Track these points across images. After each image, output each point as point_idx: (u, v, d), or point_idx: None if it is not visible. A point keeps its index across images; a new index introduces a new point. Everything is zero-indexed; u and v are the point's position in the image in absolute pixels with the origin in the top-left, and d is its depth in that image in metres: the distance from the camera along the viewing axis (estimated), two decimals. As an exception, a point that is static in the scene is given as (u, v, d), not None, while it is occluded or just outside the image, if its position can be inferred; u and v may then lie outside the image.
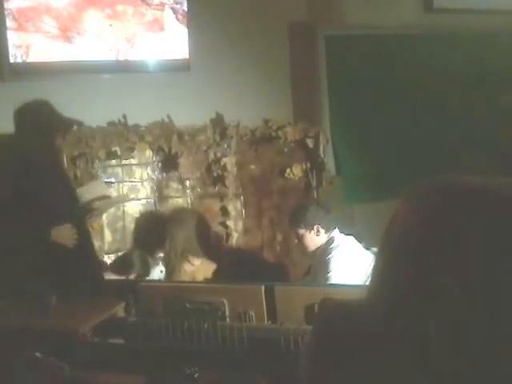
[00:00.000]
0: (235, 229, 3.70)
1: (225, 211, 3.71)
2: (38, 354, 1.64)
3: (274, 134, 3.68)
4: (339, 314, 1.08)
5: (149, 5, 3.74)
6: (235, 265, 3.62)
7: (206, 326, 2.31)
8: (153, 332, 2.33)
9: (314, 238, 3.07)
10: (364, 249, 3.14)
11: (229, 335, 2.29)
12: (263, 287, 2.34)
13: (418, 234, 0.97)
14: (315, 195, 3.64)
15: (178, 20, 3.81)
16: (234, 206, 3.71)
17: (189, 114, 3.77)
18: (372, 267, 1.05)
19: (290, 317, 2.31)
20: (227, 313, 2.35)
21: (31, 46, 3.50)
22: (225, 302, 2.37)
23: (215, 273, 3.49)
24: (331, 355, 1.04)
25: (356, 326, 1.03)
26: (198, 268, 3.48)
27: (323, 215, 3.08)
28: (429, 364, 0.93)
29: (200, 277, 3.52)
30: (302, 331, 2.25)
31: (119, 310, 2.42)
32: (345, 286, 2.57)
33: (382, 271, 1.02)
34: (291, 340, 2.22)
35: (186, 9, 3.80)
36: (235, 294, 2.38)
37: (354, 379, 1.01)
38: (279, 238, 3.73)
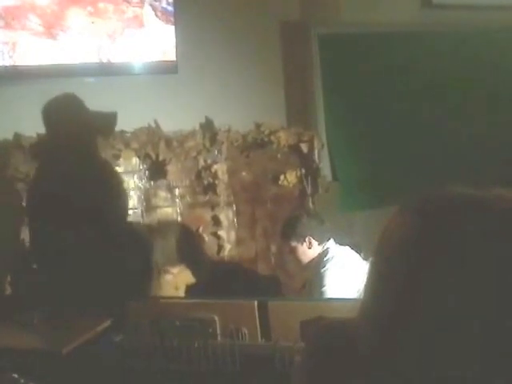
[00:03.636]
0: (228, 239, 3.70)
1: (216, 220, 3.71)
2: (16, 376, 1.64)
3: (266, 139, 3.68)
4: (332, 333, 1.09)
5: (129, 2, 3.80)
6: (228, 278, 3.62)
7: (196, 344, 2.32)
8: (140, 351, 2.34)
9: (307, 251, 3.08)
10: (362, 259, 3.15)
11: (220, 354, 2.30)
12: (256, 302, 2.36)
13: (410, 248, 0.98)
14: (310, 203, 3.64)
15: (157, 17, 3.84)
16: (226, 215, 3.71)
17: (177, 119, 3.77)
18: (364, 282, 1.06)
19: (284, 334, 2.32)
20: (218, 330, 2.37)
21: (17, 44, 3.56)
22: (216, 318, 2.38)
23: (196, 278, 3.54)
24: (324, 374, 1.05)
25: (350, 345, 1.05)
26: (177, 276, 3.53)
27: (315, 226, 3.09)
28: (424, 377, 0.94)
29: (181, 284, 3.55)
30: (298, 349, 2.26)
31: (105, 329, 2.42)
32: (342, 300, 2.58)
33: (373, 286, 1.03)
34: (286, 358, 2.24)
35: (165, 6, 3.83)
36: (227, 309, 2.39)
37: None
38: (273, 249, 3.73)
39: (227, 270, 3.69)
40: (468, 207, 0.96)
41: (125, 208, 2.91)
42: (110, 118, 3.16)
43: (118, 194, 2.93)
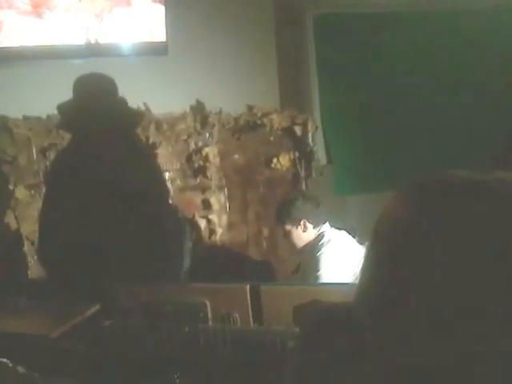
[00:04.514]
0: (219, 224, 3.69)
1: (207, 204, 3.70)
2: (5, 361, 1.62)
3: (258, 122, 3.66)
4: (327, 317, 1.08)
5: (116, -20, 3.76)
6: (219, 262, 3.62)
7: (186, 329, 2.31)
8: (130, 336, 2.32)
9: (301, 235, 3.06)
10: (357, 244, 3.14)
11: (212, 339, 2.28)
12: (248, 287, 2.34)
13: (408, 231, 0.97)
14: (304, 186, 3.63)
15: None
16: (217, 199, 3.70)
17: (167, 101, 3.74)
18: (361, 266, 1.05)
19: (277, 318, 2.31)
20: (209, 315, 2.35)
21: (3, 23, 3.53)
22: (207, 303, 2.36)
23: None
24: (320, 358, 1.05)
25: (345, 329, 1.04)
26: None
27: (311, 209, 3.06)
28: (416, 360, 0.94)
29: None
30: (291, 334, 2.25)
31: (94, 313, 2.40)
32: (336, 284, 2.57)
33: (370, 270, 1.02)
34: (278, 343, 2.23)
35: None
36: (218, 294, 2.37)
37: (340, 380, 1.02)
38: (266, 233, 3.72)
39: (218, 255, 3.68)
40: (467, 190, 0.95)
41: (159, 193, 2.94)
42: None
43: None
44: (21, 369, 1.56)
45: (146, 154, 3.28)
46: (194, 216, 3.67)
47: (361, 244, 3.16)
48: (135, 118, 3.28)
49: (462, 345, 0.89)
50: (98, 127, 2.86)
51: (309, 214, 3.05)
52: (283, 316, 2.31)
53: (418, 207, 0.96)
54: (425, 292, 0.92)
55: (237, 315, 2.35)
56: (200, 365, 2.27)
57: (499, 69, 4.55)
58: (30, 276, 3.21)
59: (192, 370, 2.24)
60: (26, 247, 3.35)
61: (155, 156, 3.47)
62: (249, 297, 2.34)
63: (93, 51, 3.78)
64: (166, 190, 3.34)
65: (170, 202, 3.39)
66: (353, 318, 1.02)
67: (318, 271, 2.95)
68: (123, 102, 3.08)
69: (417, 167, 4.35)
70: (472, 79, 4.51)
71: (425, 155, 4.35)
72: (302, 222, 3.04)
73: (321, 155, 3.98)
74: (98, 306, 2.40)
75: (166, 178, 3.59)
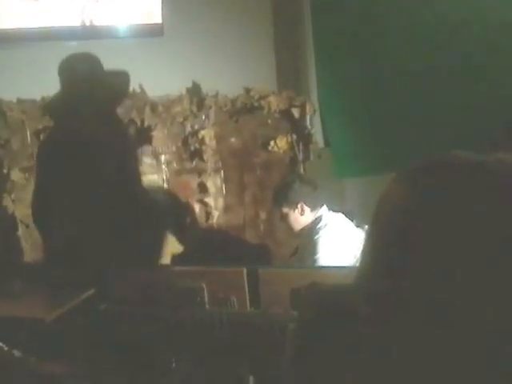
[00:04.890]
0: (215, 207, 3.66)
1: (203, 188, 3.66)
2: (0, 344, 1.60)
3: (256, 104, 3.62)
4: (327, 299, 1.06)
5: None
6: (216, 246, 3.59)
7: (184, 312, 2.29)
8: (126, 320, 2.31)
9: (299, 218, 3.03)
10: (355, 227, 3.11)
11: (209, 322, 2.27)
12: (245, 270, 2.32)
13: (408, 215, 0.95)
14: (302, 170, 3.60)
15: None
16: (214, 182, 3.66)
17: (162, 83, 3.69)
18: (361, 249, 1.03)
19: (274, 302, 2.29)
20: (206, 298, 2.34)
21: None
22: (204, 286, 2.35)
23: (184, 246, 3.52)
24: (318, 341, 1.03)
25: (344, 311, 1.02)
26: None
27: (308, 192, 3.03)
28: (417, 347, 0.92)
29: (167, 252, 3.53)
30: (288, 317, 2.24)
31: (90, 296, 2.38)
32: (333, 267, 2.55)
33: (371, 254, 1.00)
34: (276, 326, 2.21)
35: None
36: (215, 278, 2.36)
37: (340, 364, 1.00)
38: (263, 216, 3.69)
39: (215, 238, 3.66)
40: (467, 171, 0.94)
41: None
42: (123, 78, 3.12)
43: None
44: (17, 353, 1.54)
45: (123, 136, 3.22)
46: (189, 199, 3.64)
47: (359, 227, 3.14)
48: (116, 97, 3.21)
49: (462, 333, 0.87)
50: (75, 109, 2.83)
51: (306, 197, 3.02)
52: (280, 299, 2.31)
53: (419, 190, 0.94)
54: (426, 278, 0.91)
55: (234, 299, 2.34)
56: (197, 348, 2.26)
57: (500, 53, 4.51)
58: (24, 259, 3.19)
59: (189, 354, 2.23)
60: (21, 231, 3.32)
61: (131, 139, 3.42)
62: (246, 280, 2.34)
63: (88, 33, 3.73)
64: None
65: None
66: (353, 300, 1.01)
67: (316, 254, 2.93)
68: (101, 82, 3.03)
69: (415, 150, 4.32)
70: (474, 61, 4.46)
71: (424, 138, 4.32)
72: (299, 205, 3.01)
73: (319, 138, 3.93)
74: (93, 290, 2.38)
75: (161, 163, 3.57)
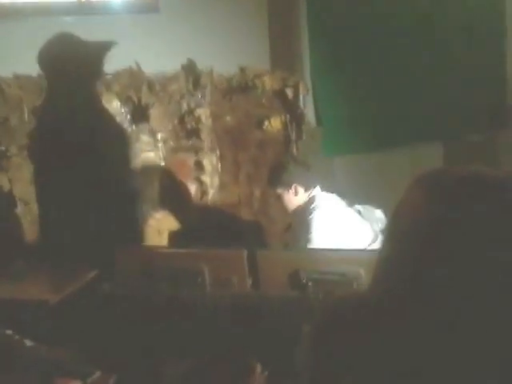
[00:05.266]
0: (211, 185, 3.66)
1: (199, 166, 3.66)
2: (11, 333, 1.60)
3: (250, 83, 3.60)
4: (344, 306, 1.08)
5: None
6: (211, 223, 3.61)
7: (185, 293, 2.31)
8: (129, 301, 2.32)
9: (293, 198, 3.05)
10: (347, 207, 3.14)
11: (210, 303, 2.29)
12: (246, 252, 2.34)
13: (425, 224, 0.97)
14: (295, 149, 3.60)
15: None
16: (210, 161, 3.65)
17: (159, 60, 3.65)
18: (378, 256, 1.05)
19: (272, 283, 2.32)
20: (207, 280, 2.35)
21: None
22: (204, 268, 2.36)
23: (179, 223, 3.53)
24: (336, 345, 1.05)
25: (361, 317, 1.04)
26: (160, 221, 3.51)
27: (302, 173, 3.04)
28: (435, 351, 0.94)
29: (164, 229, 3.54)
30: (287, 298, 2.27)
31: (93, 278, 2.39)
32: (332, 250, 2.58)
33: (389, 260, 1.02)
34: (275, 307, 2.24)
35: None
36: (216, 259, 2.37)
37: (356, 367, 1.03)
38: (257, 194, 3.70)
39: (210, 215, 3.67)
40: (482, 185, 0.97)
41: (116, 152, 2.81)
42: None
43: (108, 137, 2.83)
44: (28, 342, 1.55)
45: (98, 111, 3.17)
46: (186, 177, 3.64)
47: (350, 207, 3.16)
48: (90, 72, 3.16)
49: (488, 329, 0.90)
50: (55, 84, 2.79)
51: (300, 179, 3.03)
52: (279, 281, 2.33)
53: (435, 200, 0.97)
54: (441, 282, 0.92)
55: (234, 280, 2.36)
56: (198, 328, 2.29)
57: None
58: (24, 238, 3.17)
59: (190, 335, 2.26)
60: (20, 208, 3.31)
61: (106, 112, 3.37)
62: (246, 262, 2.35)
63: (84, 9, 3.68)
64: (115, 150, 3.23)
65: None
66: (370, 304, 1.02)
67: (309, 234, 2.95)
68: (79, 56, 2.97)
69: (404, 129, 4.35)
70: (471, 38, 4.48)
71: (412, 117, 4.35)
72: (293, 187, 3.02)
73: (312, 118, 3.93)
74: (96, 271, 2.39)
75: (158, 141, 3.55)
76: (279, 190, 3.07)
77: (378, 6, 4.21)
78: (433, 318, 0.94)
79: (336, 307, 1.06)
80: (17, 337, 1.53)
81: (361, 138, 4.21)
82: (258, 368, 1.46)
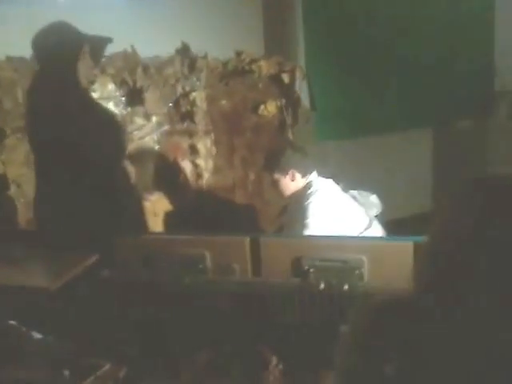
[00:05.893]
0: (205, 168, 3.58)
1: (194, 149, 3.57)
2: (15, 323, 1.52)
3: (246, 68, 3.50)
4: (387, 307, 1.03)
5: None
6: (205, 206, 3.54)
7: (186, 280, 2.24)
8: (129, 287, 2.24)
9: (289, 184, 2.97)
10: (343, 192, 3.08)
11: (212, 290, 2.22)
12: (248, 239, 2.26)
13: (491, 225, 0.92)
14: (290, 133, 3.52)
15: None
16: (204, 144, 3.57)
17: (153, 43, 3.54)
18: (418, 259, 0.99)
19: (275, 270, 2.25)
20: (209, 266, 2.28)
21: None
22: (206, 254, 2.28)
23: (174, 205, 3.45)
24: (378, 346, 1.00)
25: (403, 318, 0.99)
26: (155, 203, 3.44)
27: (299, 159, 2.96)
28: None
29: (160, 211, 3.46)
30: (290, 285, 2.20)
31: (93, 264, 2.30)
32: (335, 237, 2.52)
33: (438, 260, 0.97)
34: (277, 295, 2.18)
35: None
36: (217, 245, 2.29)
37: (397, 367, 0.98)
38: (251, 177, 3.63)
39: (205, 198, 3.60)
40: None
41: (112, 139, 2.70)
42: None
43: (105, 125, 2.71)
44: (35, 334, 1.46)
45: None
46: (180, 160, 3.55)
47: (344, 191, 3.10)
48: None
49: None
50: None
51: (297, 164, 2.95)
52: (282, 268, 2.27)
53: (476, 206, 0.93)
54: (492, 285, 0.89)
55: (236, 267, 2.29)
56: (199, 316, 2.22)
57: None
58: (19, 221, 3.08)
59: (191, 321, 2.19)
60: (13, 190, 3.20)
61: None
62: (249, 249, 2.28)
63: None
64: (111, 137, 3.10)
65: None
66: (413, 305, 0.98)
67: (306, 219, 2.88)
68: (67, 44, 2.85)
69: (394, 115, 4.31)
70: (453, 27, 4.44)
71: (401, 104, 4.32)
72: (290, 172, 2.95)
73: (305, 102, 3.86)
74: (96, 257, 2.30)
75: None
76: (276, 175, 2.99)
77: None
78: (475, 319, 0.90)
79: (378, 308, 1.01)
80: (24, 329, 1.45)
81: (353, 123, 4.16)
82: (274, 360, 1.40)
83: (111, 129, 2.80)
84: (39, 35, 2.72)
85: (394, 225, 3.10)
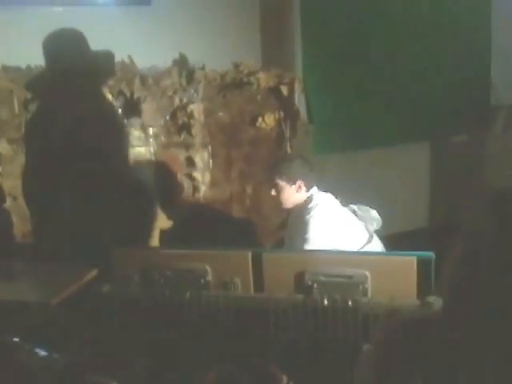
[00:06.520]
0: (202, 181, 3.56)
1: (191, 162, 3.56)
2: (17, 340, 1.49)
3: (245, 80, 3.50)
4: (408, 326, 1.02)
5: None
6: (202, 220, 3.52)
7: (188, 295, 2.22)
8: (129, 302, 2.22)
9: (293, 194, 2.96)
10: (342, 206, 3.08)
11: (213, 305, 2.21)
12: (250, 254, 2.26)
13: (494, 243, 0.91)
14: (288, 146, 3.52)
15: None
16: (201, 157, 3.56)
17: (151, 54, 3.54)
18: (448, 279, 0.99)
19: (278, 285, 2.24)
20: (211, 281, 2.27)
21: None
22: (208, 269, 2.27)
23: (170, 219, 3.43)
24: (399, 364, 0.99)
25: (425, 337, 0.98)
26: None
27: (307, 172, 2.96)
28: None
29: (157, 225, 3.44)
30: (293, 301, 2.19)
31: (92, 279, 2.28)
32: (338, 252, 2.51)
33: (462, 280, 0.96)
34: (280, 310, 2.17)
35: None
36: (219, 260, 2.28)
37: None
38: (249, 191, 3.62)
39: (202, 212, 3.58)
40: None
41: (121, 152, 2.69)
42: (109, 57, 2.92)
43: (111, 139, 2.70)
44: (41, 351, 1.44)
45: (110, 115, 3.04)
46: (177, 173, 3.54)
47: (344, 206, 3.10)
48: (101, 76, 3.04)
49: None
50: (59, 87, 2.66)
51: (305, 177, 2.95)
52: (284, 283, 2.26)
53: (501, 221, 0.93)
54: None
55: (238, 281, 2.28)
56: (201, 330, 2.20)
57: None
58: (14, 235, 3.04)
59: (193, 336, 2.17)
60: (8, 203, 3.17)
61: (118, 115, 3.26)
62: (251, 263, 2.27)
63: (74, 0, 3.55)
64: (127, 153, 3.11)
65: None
66: (435, 323, 0.98)
67: (306, 234, 2.87)
68: (88, 58, 2.85)
69: (391, 129, 4.33)
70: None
71: (398, 118, 4.34)
72: (297, 182, 2.94)
73: (304, 115, 3.86)
74: (95, 271, 2.28)
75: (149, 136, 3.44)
76: (282, 183, 2.96)
77: (369, 8, 4.16)
78: (501, 336, 0.90)
79: (399, 327, 1.00)
80: (28, 346, 1.43)
81: (350, 136, 4.17)
82: (284, 380, 1.39)
83: (123, 142, 2.81)
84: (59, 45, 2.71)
85: (392, 239, 3.10)
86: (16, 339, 1.47)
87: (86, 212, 2.55)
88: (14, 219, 3.12)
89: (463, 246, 0.96)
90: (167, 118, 3.51)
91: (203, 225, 3.41)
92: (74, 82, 2.69)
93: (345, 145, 4.15)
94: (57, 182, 2.54)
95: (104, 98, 3.08)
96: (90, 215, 2.55)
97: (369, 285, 2.16)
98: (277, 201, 3.05)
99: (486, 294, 0.93)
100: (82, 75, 2.72)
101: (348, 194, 3.22)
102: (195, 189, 3.56)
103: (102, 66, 2.98)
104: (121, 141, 2.76)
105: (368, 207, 3.13)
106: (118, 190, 2.72)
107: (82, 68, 2.74)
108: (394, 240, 3.09)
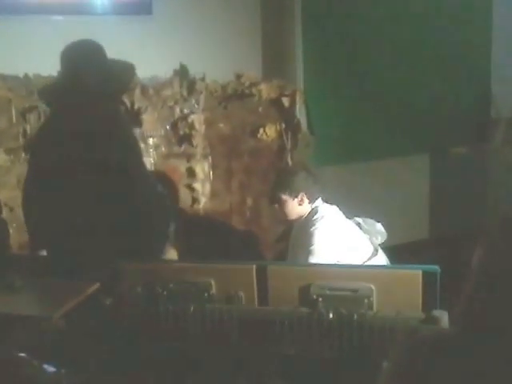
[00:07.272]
0: (202, 192, 3.56)
1: (191, 173, 3.55)
2: (25, 356, 1.48)
3: (247, 91, 3.51)
4: (427, 344, 1.02)
5: None
6: (202, 231, 3.51)
7: (192, 308, 2.21)
8: (133, 316, 2.21)
9: (296, 207, 2.96)
10: (347, 219, 3.07)
11: (218, 319, 2.20)
12: (255, 267, 2.25)
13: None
14: (289, 158, 3.52)
15: None
16: (202, 168, 3.55)
17: (151, 64, 3.54)
18: (466, 296, 0.99)
19: (283, 298, 2.24)
20: (215, 294, 2.26)
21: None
22: (212, 282, 2.26)
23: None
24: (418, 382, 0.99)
25: (444, 355, 0.98)
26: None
27: (311, 184, 2.96)
28: None
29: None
30: (298, 314, 2.18)
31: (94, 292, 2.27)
32: (343, 266, 2.50)
33: (480, 299, 0.96)
34: (285, 323, 2.16)
35: None
36: (224, 273, 2.27)
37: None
38: (249, 202, 3.62)
39: (201, 223, 3.57)
40: None
41: (123, 162, 2.66)
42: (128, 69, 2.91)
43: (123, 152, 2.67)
44: (48, 367, 1.42)
45: (126, 129, 3.02)
46: (177, 184, 3.53)
47: (349, 218, 3.09)
48: (117, 87, 3.03)
49: None
50: (73, 100, 2.64)
51: (308, 189, 2.94)
52: (289, 296, 2.25)
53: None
54: None
55: (242, 295, 2.27)
56: (205, 344, 2.19)
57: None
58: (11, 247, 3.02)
59: (197, 350, 2.16)
60: (5, 214, 3.15)
61: (134, 128, 3.23)
62: (255, 277, 2.26)
63: (74, 8, 3.55)
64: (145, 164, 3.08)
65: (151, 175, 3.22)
66: (453, 342, 0.97)
67: (311, 246, 2.87)
68: (104, 71, 2.83)
69: (391, 141, 4.35)
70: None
71: (398, 130, 4.36)
72: (300, 195, 2.94)
73: (305, 126, 3.87)
74: (97, 285, 2.26)
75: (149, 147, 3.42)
76: (285, 196, 2.96)
77: (370, 21, 4.19)
78: None
79: (418, 345, 1.00)
80: (35, 362, 1.41)
81: (351, 148, 4.18)
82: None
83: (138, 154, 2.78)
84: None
85: (392, 251, 3.10)
86: (23, 355, 1.46)
87: (101, 223, 2.54)
88: (11, 230, 3.10)
89: (482, 271, 0.97)
90: (168, 128, 3.51)
91: (202, 236, 3.40)
92: (89, 92, 2.67)
93: (345, 157, 4.16)
94: (68, 193, 2.52)
95: (119, 109, 3.06)
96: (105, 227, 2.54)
97: (374, 298, 2.15)
98: (280, 213, 3.05)
99: (501, 317, 0.93)
100: (98, 86, 2.70)
101: (348, 206, 3.23)
102: (195, 200, 3.55)
103: (120, 78, 2.96)
104: (136, 153, 2.73)
105: (373, 220, 3.12)
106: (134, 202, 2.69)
107: (98, 79, 2.72)
108: (393, 252, 3.10)
